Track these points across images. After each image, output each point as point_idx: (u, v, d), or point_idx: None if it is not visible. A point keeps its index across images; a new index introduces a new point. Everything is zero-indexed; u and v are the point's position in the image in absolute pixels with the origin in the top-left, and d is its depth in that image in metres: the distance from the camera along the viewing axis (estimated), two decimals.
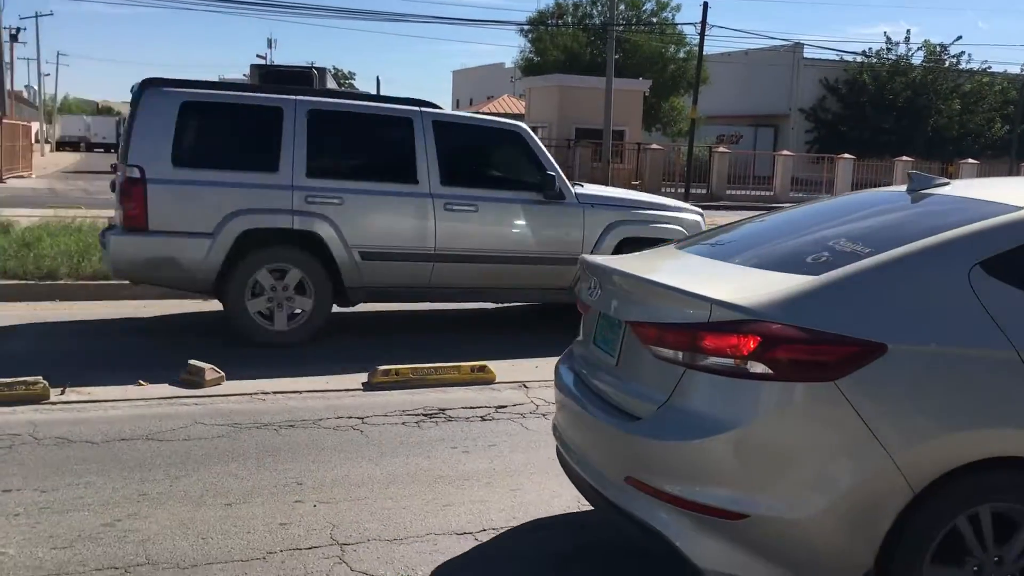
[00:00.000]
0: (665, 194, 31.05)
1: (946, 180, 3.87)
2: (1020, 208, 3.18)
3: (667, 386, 3.05)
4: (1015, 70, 40.63)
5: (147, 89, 7.30)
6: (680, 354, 3.02)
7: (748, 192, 32.95)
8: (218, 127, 7.55)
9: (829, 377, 2.80)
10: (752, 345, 2.85)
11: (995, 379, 2.90)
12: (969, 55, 42.04)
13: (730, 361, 2.90)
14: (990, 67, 41.21)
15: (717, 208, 27.77)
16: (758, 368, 2.85)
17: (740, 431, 2.85)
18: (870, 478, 2.80)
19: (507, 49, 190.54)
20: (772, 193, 32.88)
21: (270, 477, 4.58)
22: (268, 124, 7.44)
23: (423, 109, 7.96)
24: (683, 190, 30.59)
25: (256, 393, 6.00)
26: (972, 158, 35.03)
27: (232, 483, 4.49)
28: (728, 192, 32.39)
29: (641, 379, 3.23)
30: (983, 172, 33.13)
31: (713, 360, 2.93)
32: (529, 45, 39.64)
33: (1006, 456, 2.89)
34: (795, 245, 3.52)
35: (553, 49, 37.84)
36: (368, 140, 7.94)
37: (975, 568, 2.93)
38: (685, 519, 2.94)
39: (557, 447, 3.88)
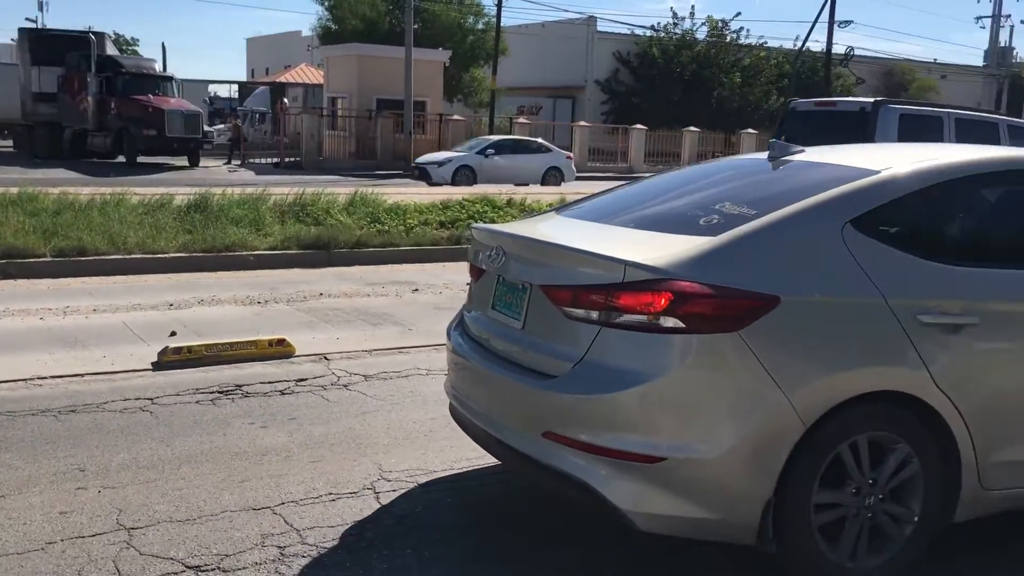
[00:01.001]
0: None
1: (801, 148, 4.22)
2: (879, 171, 3.57)
3: (582, 344, 3.26)
4: (789, 45, 43.68)
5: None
6: (595, 313, 3.24)
7: None
8: None
9: (733, 328, 3.09)
10: (664, 302, 3.10)
11: (868, 323, 3.25)
12: (747, 31, 44.76)
13: (644, 317, 3.15)
14: (766, 42, 44.13)
15: None
16: (670, 323, 3.11)
17: (655, 381, 3.09)
18: (770, 417, 3.11)
19: (304, 16, 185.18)
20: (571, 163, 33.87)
21: (49, 465, 4.32)
22: None
23: None
24: None
25: (32, 378, 5.61)
26: (752, 128, 37.43)
27: (5, 474, 4.19)
28: None
29: (553, 338, 3.42)
30: (761, 142, 35.48)
31: (628, 317, 3.17)
32: (326, 13, 38.68)
33: (879, 390, 3.26)
34: (679, 208, 3.87)
35: (352, 17, 37.11)
36: None
37: (854, 490, 3.29)
38: (606, 466, 3.16)
39: (453, 407, 4.06)
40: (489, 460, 4.25)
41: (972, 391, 3.37)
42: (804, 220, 3.39)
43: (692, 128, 35.66)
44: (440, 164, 25.62)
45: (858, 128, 11.65)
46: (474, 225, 4.32)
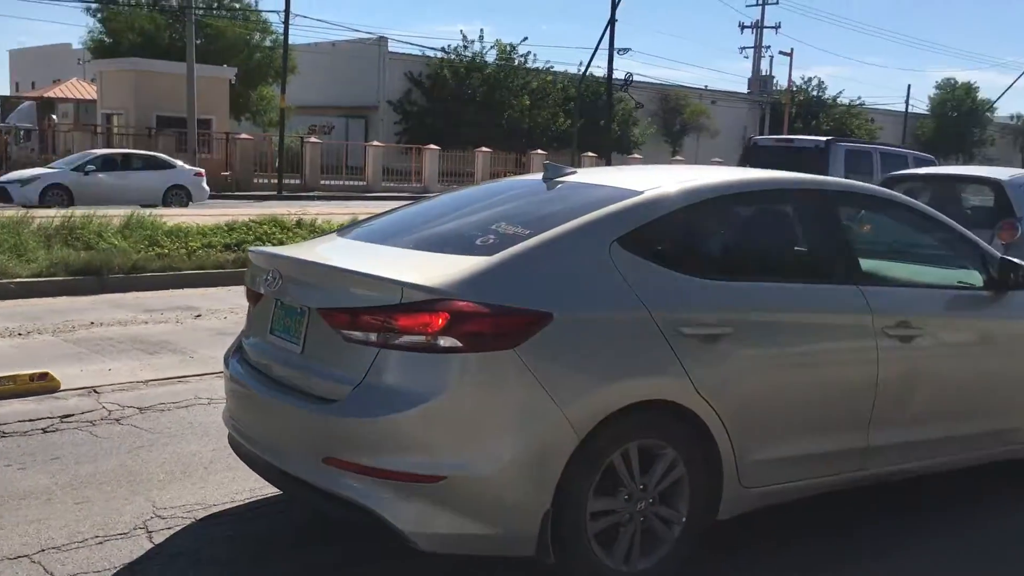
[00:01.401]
0: (258, 185, 30.57)
1: (574, 169, 4.38)
2: (642, 192, 3.76)
3: (361, 367, 3.24)
4: (574, 70, 45.48)
5: None
6: (373, 335, 3.22)
7: (342, 182, 33.44)
8: None
9: (509, 345, 3.16)
10: (441, 322, 3.13)
11: (635, 336, 3.40)
12: (535, 55, 46.22)
13: (422, 338, 3.17)
14: (553, 67, 45.75)
15: (312, 199, 27.84)
16: (447, 342, 3.14)
17: (434, 401, 3.12)
18: (545, 430, 3.20)
19: (74, 28, 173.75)
20: (365, 183, 33.68)
21: None
22: None
23: None
24: (276, 181, 30.22)
25: None
26: (541, 149, 38.64)
27: None
28: (322, 182, 32.61)
29: (333, 363, 3.37)
30: (551, 162, 36.72)
31: (406, 338, 3.19)
32: (99, 25, 36.50)
33: (647, 400, 3.41)
34: (457, 228, 3.91)
35: (128, 31, 35.21)
36: None
37: (626, 496, 3.42)
38: (387, 489, 3.14)
39: (232, 438, 3.91)
40: (272, 490, 4.13)
41: (730, 396, 3.61)
42: (574, 239, 3.52)
43: (484, 149, 36.37)
44: (25, 182, 21.61)
45: (815, 161, 13.77)
46: (250, 249, 4.22)
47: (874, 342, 4.01)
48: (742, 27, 56.99)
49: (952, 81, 69.61)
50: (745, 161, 15.55)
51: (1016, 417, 4.65)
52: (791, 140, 17.07)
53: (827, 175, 12.97)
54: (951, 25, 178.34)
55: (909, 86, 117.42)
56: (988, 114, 70.15)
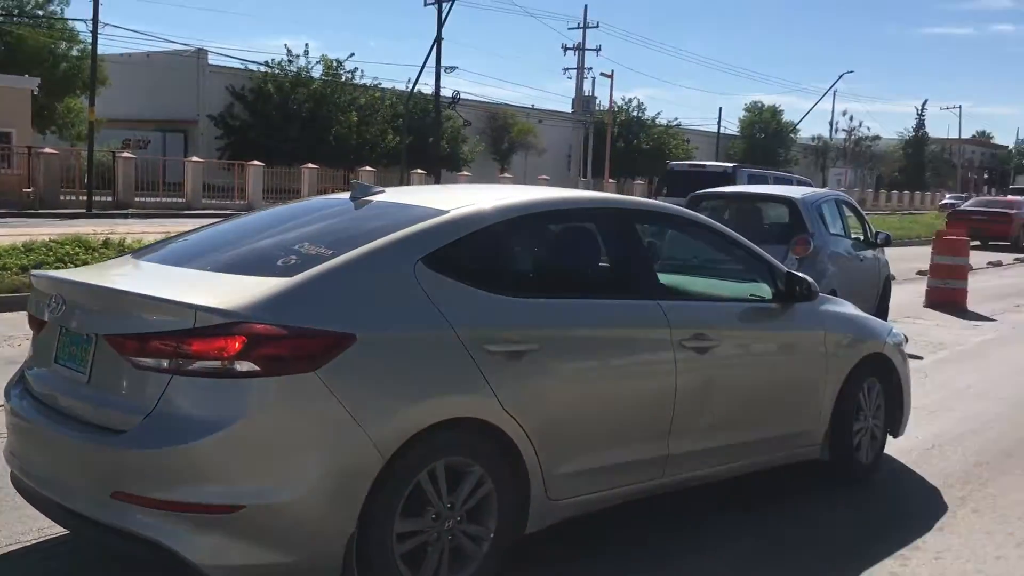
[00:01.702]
0: (66, 202, 28.76)
1: (382, 188, 4.35)
2: (448, 211, 3.79)
3: (152, 395, 3.12)
4: (402, 87, 45.43)
5: None
6: (165, 362, 3.07)
7: (159, 199, 31.95)
8: None
9: (310, 368, 3.11)
10: (238, 346, 3.05)
11: (441, 355, 3.41)
12: (362, 71, 45.81)
13: (217, 363, 3.07)
14: (381, 83, 45.54)
15: (125, 216, 26.46)
16: (244, 367, 3.06)
17: (231, 428, 3.02)
18: (349, 454, 3.16)
19: None
20: (184, 200, 32.32)
21: None
22: None
23: None
24: (85, 198, 28.54)
25: None
26: (370, 166, 38.34)
27: None
28: (137, 199, 30.99)
29: (121, 392, 3.22)
30: (380, 179, 36.42)
31: (200, 364, 3.08)
32: None
33: (454, 418, 3.42)
34: (260, 249, 3.79)
35: None
36: None
37: (434, 516, 3.39)
38: (181, 522, 3.00)
39: (14, 475, 3.63)
40: (60, 531, 3.87)
41: (536, 411, 3.69)
42: (379, 258, 3.51)
43: (311, 165, 35.69)
44: None
45: (724, 182, 15.70)
46: (33, 272, 3.97)
47: (672, 354, 4.20)
48: (565, 49, 58.63)
49: (759, 104, 74.41)
50: (663, 184, 17.87)
51: (805, 421, 4.98)
52: (703, 166, 19.83)
53: None
54: (758, 53, 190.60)
55: (720, 108, 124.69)
56: (792, 135, 75.32)
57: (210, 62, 42.64)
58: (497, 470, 3.60)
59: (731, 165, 18.31)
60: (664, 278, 4.95)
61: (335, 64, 43.93)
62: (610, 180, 51.13)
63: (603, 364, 4.01)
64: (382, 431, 3.22)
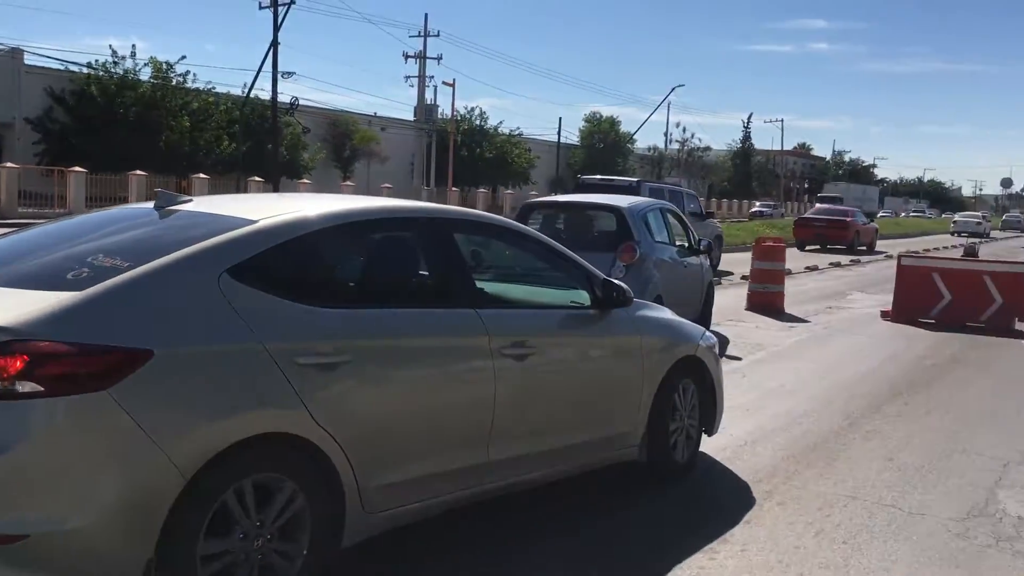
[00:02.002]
0: None
1: (189, 197, 4.19)
2: (256, 221, 3.67)
3: None
4: (238, 91, 44.08)
5: None
6: None
7: None
8: None
9: (101, 387, 2.96)
10: (20, 365, 2.88)
11: (248, 370, 3.31)
12: (195, 75, 44.11)
13: None
14: (215, 88, 44.01)
15: None
16: (27, 387, 2.89)
17: (12, 453, 2.85)
18: (146, 476, 3.02)
19: None
20: None
21: None
22: None
23: None
24: None
25: None
26: (204, 173, 36.99)
27: None
28: None
29: None
30: (215, 186, 35.23)
31: None
32: None
33: (262, 434, 3.32)
34: (50, 262, 3.56)
35: None
36: None
37: (242, 535, 3.27)
38: None
39: None
40: None
41: (350, 424, 3.64)
42: (180, 271, 3.39)
43: (140, 172, 34.07)
44: None
45: (629, 194, 17.43)
46: None
47: (491, 362, 4.25)
48: (406, 57, 58.40)
49: (598, 115, 76.51)
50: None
51: (623, 423, 5.14)
52: (612, 180, 22.23)
53: None
54: (597, 65, 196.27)
55: (560, 118, 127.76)
56: (629, 145, 77.86)
57: (27, 62, 40.06)
58: (310, 485, 3.53)
59: (635, 180, 21.65)
60: (487, 286, 5.02)
61: (165, 67, 42.16)
62: (453, 189, 51.33)
63: (420, 374, 4.01)
64: (183, 451, 3.11)
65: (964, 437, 6.82)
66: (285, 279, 3.70)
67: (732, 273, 19.48)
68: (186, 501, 3.12)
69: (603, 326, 5.04)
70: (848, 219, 32.75)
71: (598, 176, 24.89)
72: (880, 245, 35.25)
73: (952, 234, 53.93)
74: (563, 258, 5.05)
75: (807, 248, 31.21)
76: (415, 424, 3.96)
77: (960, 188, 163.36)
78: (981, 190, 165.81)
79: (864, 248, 32.38)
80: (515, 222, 5.32)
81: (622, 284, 5.09)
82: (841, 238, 31.70)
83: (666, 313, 5.82)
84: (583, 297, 5.04)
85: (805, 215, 36.00)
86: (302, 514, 3.51)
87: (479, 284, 4.88)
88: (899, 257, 14.56)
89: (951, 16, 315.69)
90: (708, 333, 6.02)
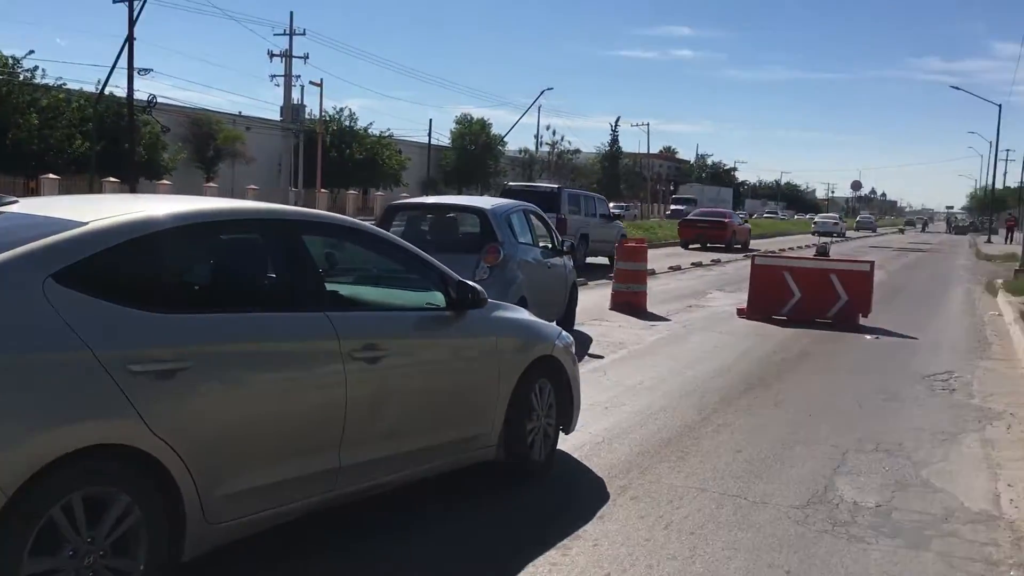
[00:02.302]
0: None
1: (14, 199, 3.99)
2: (85, 223, 3.51)
3: None
4: (91, 88, 42.05)
5: None
6: None
7: None
8: None
9: None
10: None
11: (75, 378, 3.16)
12: (44, 70, 41.73)
13: None
14: (66, 84, 41.86)
15: None
16: None
17: None
18: None
19: None
20: None
21: None
22: None
23: None
24: None
25: None
26: (55, 173, 35.16)
27: None
28: None
29: None
30: (66, 187, 33.54)
31: None
32: None
33: (93, 445, 3.16)
34: None
35: None
36: None
37: (71, 552, 3.11)
38: None
39: None
40: None
41: (190, 432, 3.52)
42: None
43: None
44: None
45: (551, 200, 21.47)
46: None
47: (341, 366, 4.19)
48: (271, 55, 56.91)
49: (469, 117, 76.66)
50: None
51: (480, 424, 5.16)
52: (536, 186, 25.46)
53: (559, 212, 21.59)
54: (468, 67, 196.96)
55: (431, 120, 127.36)
56: (500, 148, 78.40)
57: None
58: (146, 497, 3.40)
59: (556, 186, 24.42)
60: (341, 289, 4.96)
61: (11, 61, 39.84)
62: (322, 190, 50.46)
63: (266, 379, 3.92)
64: (3, 466, 2.94)
65: (808, 428, 7.16)
66: (120, 283, 3.55)
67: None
68: (8, 518, 2.95)
69: (458, 327, 5.05)
70: (726, 220, 36.25)
71: (522, 183, 27.95)
72: (754, 244, 38.68)
73: (813, 234, 58.49)
74: (417, 260, 5.04)
75: (690, 247, 34.02)
76: (261, 431, 3.87)
77: (814, 191, 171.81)
78: (833, 192, 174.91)
79: (739, 246, 35.25)
80: (368, 224, 5.26)
81: (476, 285, 5.11)
82: (720, 237, 34.76)
83: (522, 314, 5.88)
84: (438, 299, 5.04)
85: (689, 216, 38.95)
86: (138, 528, 3.37)
87: (332, 287, 4.83)
88: (752, 257, 15.16)
89: (807, 27, 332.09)
90: (564, 333, 6.11)
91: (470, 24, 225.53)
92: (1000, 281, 20.88)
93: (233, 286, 4.19)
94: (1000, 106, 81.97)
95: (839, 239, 54.60)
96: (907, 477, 5.95)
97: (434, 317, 4.99)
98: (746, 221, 45.67)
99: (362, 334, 4.36)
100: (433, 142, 71.70)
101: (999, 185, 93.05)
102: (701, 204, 63.83)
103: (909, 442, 6.82)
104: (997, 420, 7.71)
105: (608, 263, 22.39)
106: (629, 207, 61.85)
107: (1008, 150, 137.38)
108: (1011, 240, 52.48)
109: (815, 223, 67.52)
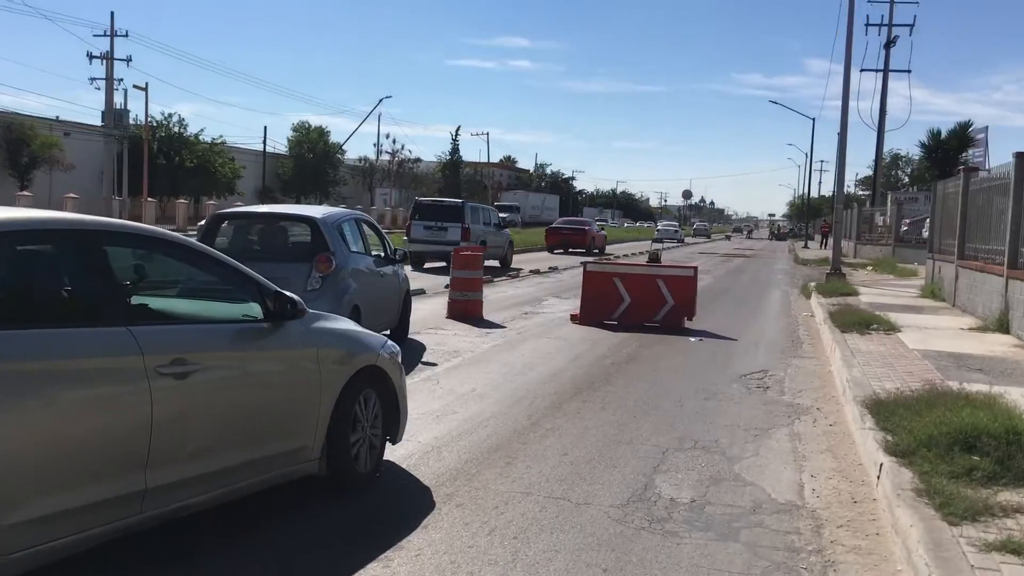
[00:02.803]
0: None
1: None
2: None
3: None
4: None
5: None
6: None
7: None
8: None
9: None
10: None
11: None
12: None
13: None
14: None
15: None
16: None
17: None
18: None
19: None
20: None
21: None
22: None
23: None
24: None
25: None
26: None
27: None
28: None
29: None
30: None
31: None
32: None
33: None
34: None
35: None
36: None
37: None
38: None
39: None
40: None
41: None
42: None
43: None
44: None
45: (457, 213, 25.61)
46: None
47: (146, 383, 4.01)
48: (91, 57, 53.97)
49: (307, 124, 75.26)
50: (415, 212, 26.15)
51: (301, 437, 5.05)
52: (443, 200, 28.26)
53: (463, 222, 25.24)
54: (305, 73, 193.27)
55: (266, 127, 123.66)
56: (339, 156, 77.37)
57: None
58: None
59: (460, 201, 28.23)
60: (150, 302, 4.75)
61: None
62: (149, 199, 48.25)
63: (59, 399, 3.69)
64: None
65: (632, 428, 7.40)
66: None
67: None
68: None
69: (276, 339, 4.93)
70: (586, 228, 42.00)
71: (430, 198, 30.50)
72: (610, 248, 45.53)
73: (655, 240, 64.22)
74: (232, 271, 4.89)
75: (555, 251, 38.91)
76: (56, 454, 3.64)
77: (648, 199, 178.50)
78: (666, 201, 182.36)
79: (597, 251, 40.21)
80: (176, 234, 5.06)
81: (294, 296, 5.01)
82: (581, 243, 39.65)
83: (345, 324, 5.80)
84: (255, 310, 4.91)
85: (554, 225, 44.29)
86: None
87: (141, 300, 4.62)
88: (584, 265, 15.55)
89: (640, 42, 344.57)
90: (390, 343, 6.08)
91: (307, 30, 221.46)
92: (813, 284, 22.25)
93: (23, 301, 3.93)
94: (814, 120, 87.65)
95: (679, 244, 62.38)
96: (721, 472, 6.24)
97: (250, 329, 4.86)
98: (603, 228, 51.19)
99: (170, 349, 4.19)
100: (270, 150, 70.00)
101: (815, 193, 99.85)
102: (524, 211, 67.22)
103: (725, 439, 7.16)
104: (805, 415, 8.21)
105: (499, 266, 27.31)
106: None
107: (822, 160, 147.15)
108: (826, 245, 56.03)
109: (658, 230, 74.59)
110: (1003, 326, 13.07)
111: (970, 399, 6.90)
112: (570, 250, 38.86)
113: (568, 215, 70.46)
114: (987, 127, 49.05)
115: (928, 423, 6.13)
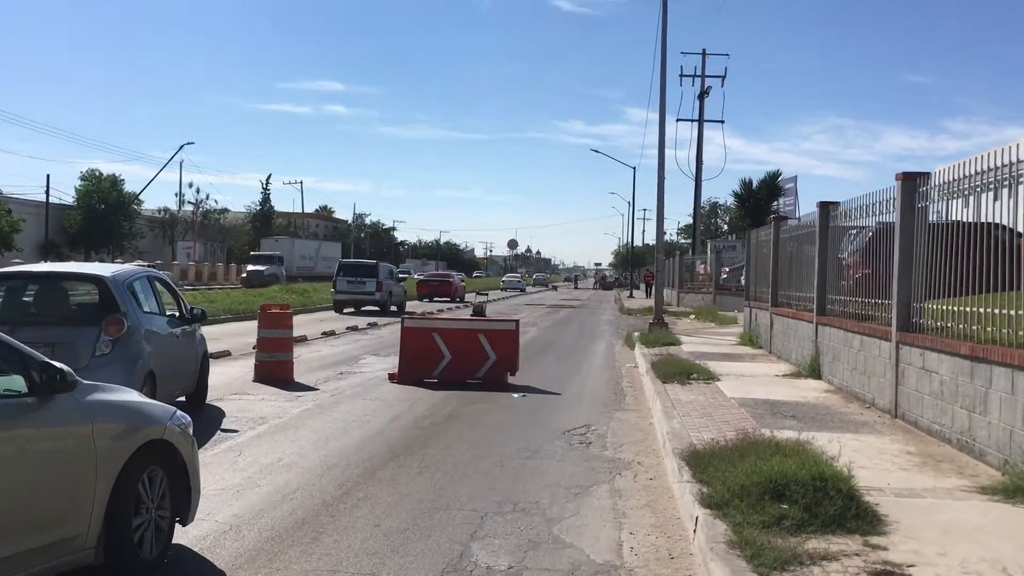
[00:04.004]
0: None
1: None
2: None
3: None
4: None
5: None
6: None
7: None
8: None
9: None
10: None
11: None
12: None
13: None
14: None
15: None
16: None
17: None
18: None
19: None
20: None
21: None
22: None
23: None
24: None
25: None
26: None
27: None
28: None
29: None
30: None
31: None
32: None
33: None
34: None
35: None
36: None
37: None
38: None
39: None
40: None
41: None
42: None
43: None
44: None
45: (372, 270, 34.91)
46: None
47: None
48: None
49: (97, 172, 71.78)
50: (339, 271, 34.57)
51: (72, 525, 4.72)
52: (361, 261, 37.18)
53: (377, 277, 34.06)
54: (94, 118, 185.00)
55: (48, 175, 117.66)
56: (136, 207, 74.12)
57: None
58: None
59: (374, 261, 36.93)
60: None
61: None
62: None
63: None
64: None
65: (449, 493, 7.37)
66: None
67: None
68: None
69: (42, 415, 4.61)
70: (451, 280, 52.13)
71: (351, 259, 39.85)
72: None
73: (502, 289, 77.01)
74: None
75: (423, 299, 46.83)
76: None
77: (473, 249, 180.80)
78: (491, 251, 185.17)
79: (459, 300, 48.76)
80: None
81: (64, 367, 4.72)
82: (447, 292, 49.35)
83: (126, 394, 5.51)
84: (18, 383, 4.58)
85: (422, 277, 54.78)
86: None
87: None
88: (403, 320, 15.50)
89: (455, 87, 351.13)
90: (180, 413, 5.81)
91: (95, 71, 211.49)
92: (637, 334, 23.09)
93: None
94: (635, 168, 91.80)
95: (520, 293, 73.76)
96: (540, 535, 6.29)
97: (11, 405, 4.52)
98: (463, 280, 59.51)
99: None
100: (55, 200, 66.30)
101: (639, 242, 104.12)
102: (290, 262, 68.17)
103: (545, 499, 7.24)
104: (626, 469, 8.44)
105: (396, 310, 34.54)
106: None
107: (645, 209, 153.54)
108: (650, 294, 58.40)
109: (504, 280, 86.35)
110: (815, 371, 13.98)
111: (780, 447, 7.31)
112: (435, 299, 47.71)
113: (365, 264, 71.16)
114: (796, 176, 53.03)
115: (740, 473, 6.43)
